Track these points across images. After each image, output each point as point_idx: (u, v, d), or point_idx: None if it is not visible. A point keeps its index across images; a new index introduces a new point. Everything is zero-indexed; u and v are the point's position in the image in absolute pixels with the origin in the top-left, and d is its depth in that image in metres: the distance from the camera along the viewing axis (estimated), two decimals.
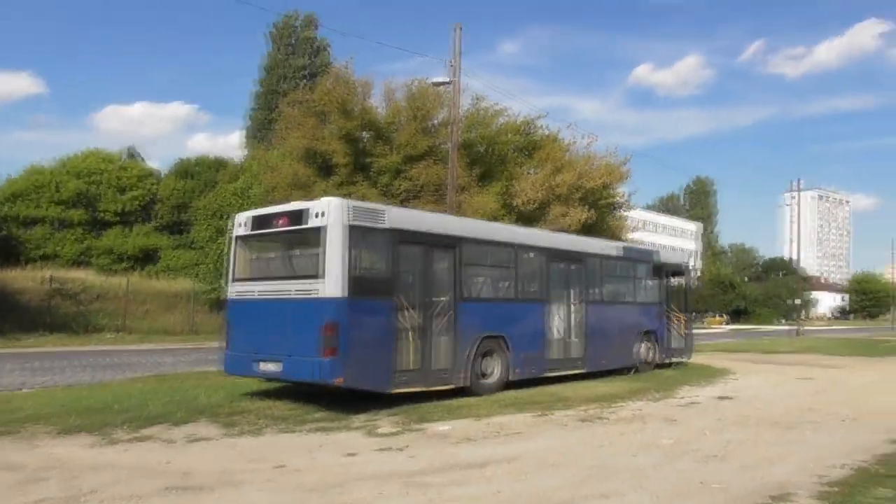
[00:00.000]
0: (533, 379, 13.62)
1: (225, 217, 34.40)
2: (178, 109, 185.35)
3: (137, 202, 54.21)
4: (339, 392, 10.71)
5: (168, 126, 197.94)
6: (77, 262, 44.50)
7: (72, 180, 51.08)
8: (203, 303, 33.57)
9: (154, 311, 32.22)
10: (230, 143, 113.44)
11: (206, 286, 33.47)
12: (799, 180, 53.96)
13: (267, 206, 24.90)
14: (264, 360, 10.71)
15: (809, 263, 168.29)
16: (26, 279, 30.67)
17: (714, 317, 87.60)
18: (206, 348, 24.19)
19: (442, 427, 9.51)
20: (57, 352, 21.45)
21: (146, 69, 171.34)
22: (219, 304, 32.69)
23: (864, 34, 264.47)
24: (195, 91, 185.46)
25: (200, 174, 56.27)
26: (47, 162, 53.76)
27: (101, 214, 52.59)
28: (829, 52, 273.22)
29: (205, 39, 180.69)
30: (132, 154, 66.10)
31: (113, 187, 53.10)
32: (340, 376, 9.98)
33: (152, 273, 45.77)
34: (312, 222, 10.47)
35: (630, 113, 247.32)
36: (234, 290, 11.74)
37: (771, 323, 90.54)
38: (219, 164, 57.72)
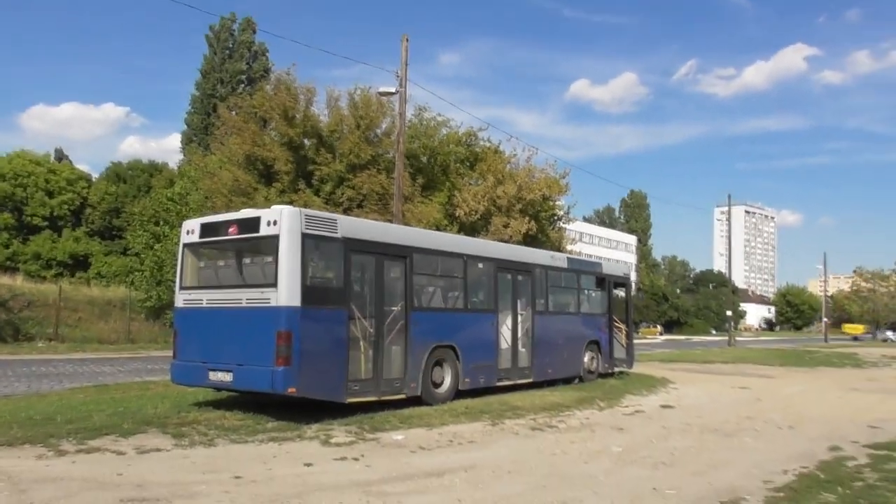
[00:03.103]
0: (482, 388, 13.70)
1: (161, 223, 33.73)
2: (110, 111, 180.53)
3: (67, 206, 52.76)
4: (289, 402, 10.60)
5: (98, 128, 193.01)
6: (4, 268, 43.04)
7: None
8: (139, 311, 32.72)
9: (87, 319, 31.24)
10: (164, 147, 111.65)
11: (143, 294, 32.62)
12: (729, 197, 55.57)
13: (206, 213, 24.79)
14: (215, 370, 10.50)
15: (737, 276, 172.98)
16: None
17: (649, 327, 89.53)
18: (144, 357, 23.71)
19: (396, 436, 9.52)
20: None
21: (75, 69, 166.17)
22: (156, 312, 31.98)
23: (791, 58, 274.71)
24: (127, 93, 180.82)
25: (134, 178, 55.11)
26: None
27: (29, 219, 51.05)
28: (757, 73, 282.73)
29: (137, 40, 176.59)
30: (60, 156, 64.32)
31: (41, 190, 51.58)
32: (294, 386, 9.87)
33: (83, 280, 44.57)
34: (265, 230, 10.34)
35: (568, 127, 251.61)
36: (183, 299, 11.52)
37: (703, 333, 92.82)
38: (153, 169, 56.54)
